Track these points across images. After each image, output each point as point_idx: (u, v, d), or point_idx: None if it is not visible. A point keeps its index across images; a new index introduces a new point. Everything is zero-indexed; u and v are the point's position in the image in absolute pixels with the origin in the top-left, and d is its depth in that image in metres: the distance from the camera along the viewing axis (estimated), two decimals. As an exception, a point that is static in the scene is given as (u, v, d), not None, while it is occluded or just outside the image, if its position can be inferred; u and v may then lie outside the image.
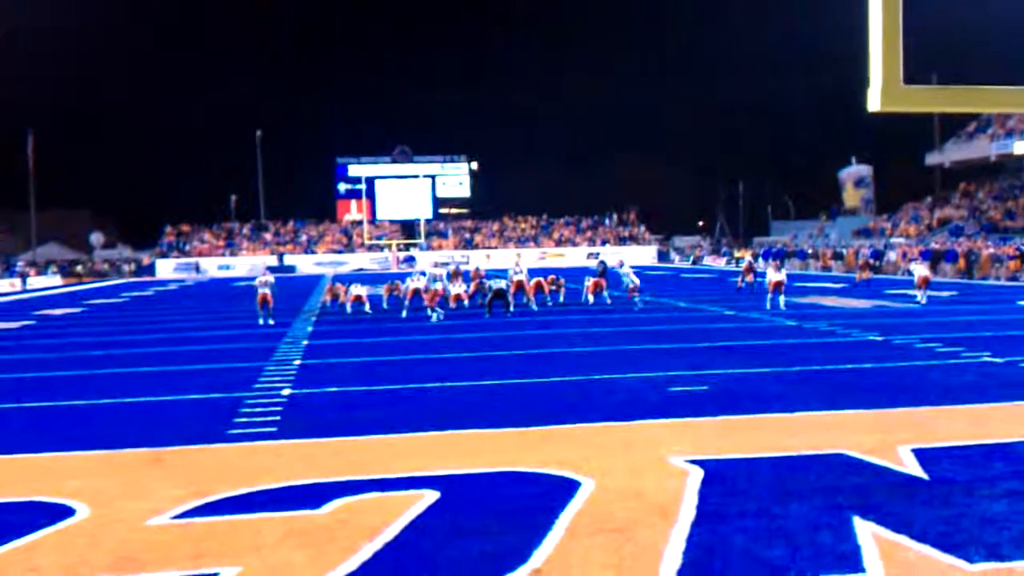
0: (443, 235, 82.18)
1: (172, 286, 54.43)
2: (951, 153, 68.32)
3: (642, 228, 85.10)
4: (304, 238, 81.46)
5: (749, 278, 32.63)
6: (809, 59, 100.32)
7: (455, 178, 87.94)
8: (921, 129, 69.37)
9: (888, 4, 3.07)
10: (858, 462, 8.05)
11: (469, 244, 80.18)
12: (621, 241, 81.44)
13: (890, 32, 3.10)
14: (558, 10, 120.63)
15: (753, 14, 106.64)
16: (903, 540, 5.99)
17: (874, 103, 3.17)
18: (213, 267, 73.77)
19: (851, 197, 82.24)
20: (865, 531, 6.18)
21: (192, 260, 74.94)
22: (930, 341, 16.82)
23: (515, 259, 30.51)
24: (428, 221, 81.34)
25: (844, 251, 55.39)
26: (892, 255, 49.34)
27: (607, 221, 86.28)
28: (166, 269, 73.26)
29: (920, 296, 26.10)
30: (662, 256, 79.03)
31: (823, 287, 35.91)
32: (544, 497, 7.19)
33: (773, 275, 25.37)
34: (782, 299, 24.92)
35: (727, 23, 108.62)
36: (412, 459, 8.51)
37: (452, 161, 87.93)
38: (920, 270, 27.51)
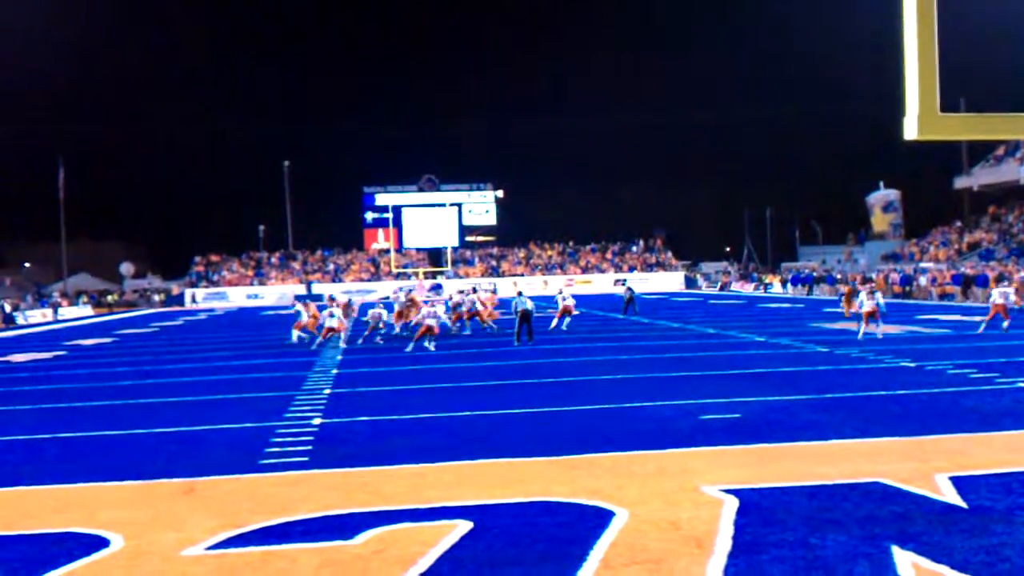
0: (470, 263, 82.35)
1: (201, 315, 54.74)
2: (980, 177, 67.89)
3: (669, 254, 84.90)
4: (332, 267, 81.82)
5: (855, 307, 27.51)
6: (837, 83, 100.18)
7: (481, 206, 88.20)
8: (949, 153, 69.10)
9: (923, 34, 3.06)
10: (895, 491, 7.96)
11: (495, 271, 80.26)
12: (648, 267, 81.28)
13: (926, 61, 3.09)
14: (584, 37, 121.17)
15: (782, 38, 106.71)
16: (943, 570, 5.91)
17: (911, 132, 3.16)
18: (241, 296, 74.19)
19: (879, 222, 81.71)
20: (904, 561, 6.10)
21: (221, 290, 75.42)
22: (964, 367, 16.65)
23: (562, 286, 30.82)
24: (455, 249, 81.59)
25: (873, 276, 54.99)
26: (923, 280, 48.91)
27: (634, 247, 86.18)
28: (195, 299, 73.78)
29: (861, 332, 24.47)
30: (689, 282, 78.78)
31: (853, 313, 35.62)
32: (578, 527, 7.15)
33: (867, 303, 23.74)
34: (879, 328, 23.63)
35: (756, 47, 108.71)
36: (444, 489, 8.49)
37: (478, 189, 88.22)
38: (868, 303, 25.39)
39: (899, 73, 3.24)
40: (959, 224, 68.24)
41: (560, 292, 29.43)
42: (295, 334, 27.56)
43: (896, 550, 6.32)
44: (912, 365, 17.32)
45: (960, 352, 19.38)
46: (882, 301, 23.98)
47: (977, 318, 30.60)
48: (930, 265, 57.29)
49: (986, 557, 6.14)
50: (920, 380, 15.30)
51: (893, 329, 26.73)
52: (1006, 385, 14.37)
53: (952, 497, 7.69)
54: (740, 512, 7.39)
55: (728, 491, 8.03)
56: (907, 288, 48.69)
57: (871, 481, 8.30)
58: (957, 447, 9.80)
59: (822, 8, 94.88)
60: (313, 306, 28.97)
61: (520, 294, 26.75)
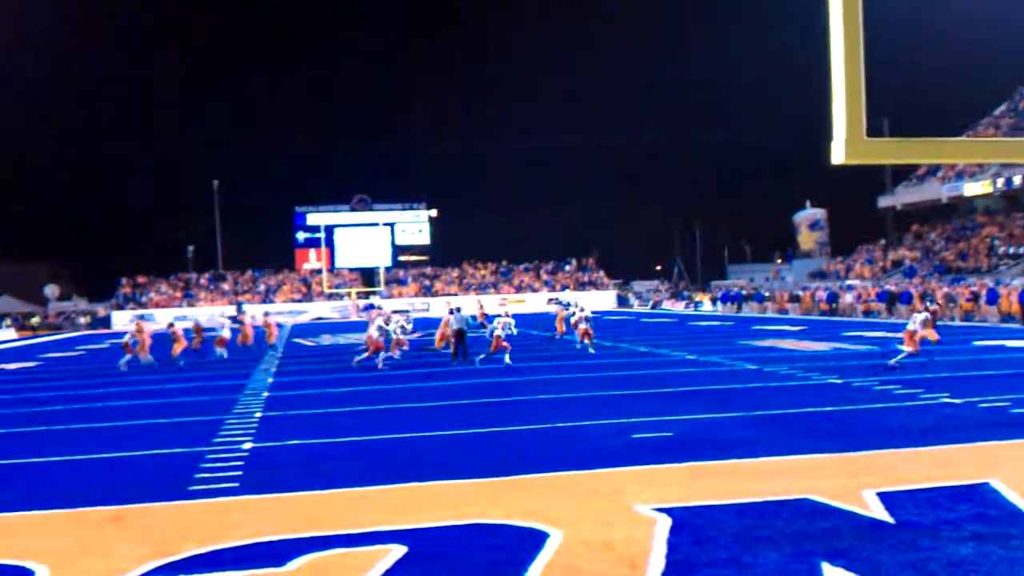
0: (403, 283, 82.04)
1: (127, 338, 53.55)
2: (903, 196, 69.56)
3: (601, 273, 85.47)
4: (262, 287, 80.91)
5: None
6: (763, 103, 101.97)
7: (415, 225, 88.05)
8: (873, 173, 70.65)
9: (851, 58, 3.13)
10: (825, 507, 8.07)
11: (429, 291, 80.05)
12: (580, 286, 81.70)
13: (853, 87, 3.16)
14: (518, 58, 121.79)
15: (713, 60, 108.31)
16: (873, 586, 6.00)
17: (838, 156, 3.22)
18: (170, 318, 72.91)
19: (806, 240, 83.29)
20: (834, 577, 6.18)
21: (149, 311, 74.06)
22: (889, 383, 16.99)
23: (576, 303, 30.68)
24: (388, 269, 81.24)
25: (800, 293, 55.96)
26: (848, 297, 49.88)
27: (567, 266, 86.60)
28: (122, 321, 72.30)
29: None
30: (621, 301, 79.35)
31: (781, 330, 36.21)
32: (512, 550, 7.13)
33: (930, 334, 21.06)
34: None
35: (684, 68, 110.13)
36: (378, 513, 8.42)
37: (411, 208, 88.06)
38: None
39: (826, 96, 3.31)
40: (883, 242, 69.79)
41: (580, 308, 29.05)
42: (218, 351, 28.09)
43: (826, 566, 6.41)
44: (839, 382, 17.63)
45: (886, 368, 19.75)
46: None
47: (900, 334, 31.28)
48: (855, 282, 58.43)
49: (913, 572, 6.26)
50: (847, 396, 15.57)
51: (820, 346, 27.21)
52: (930, 401, 14.69)
53: (880, 513, 7.82)
54: (673, 531, 7.44)
55: (661, 510, 8.07)
56: (833, 305, 49.61)
57: (801, 498, 8.41)
58: (884, 463, 9.99)
59: (751, 30, 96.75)
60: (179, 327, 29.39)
61: (457, 310, 26.73)
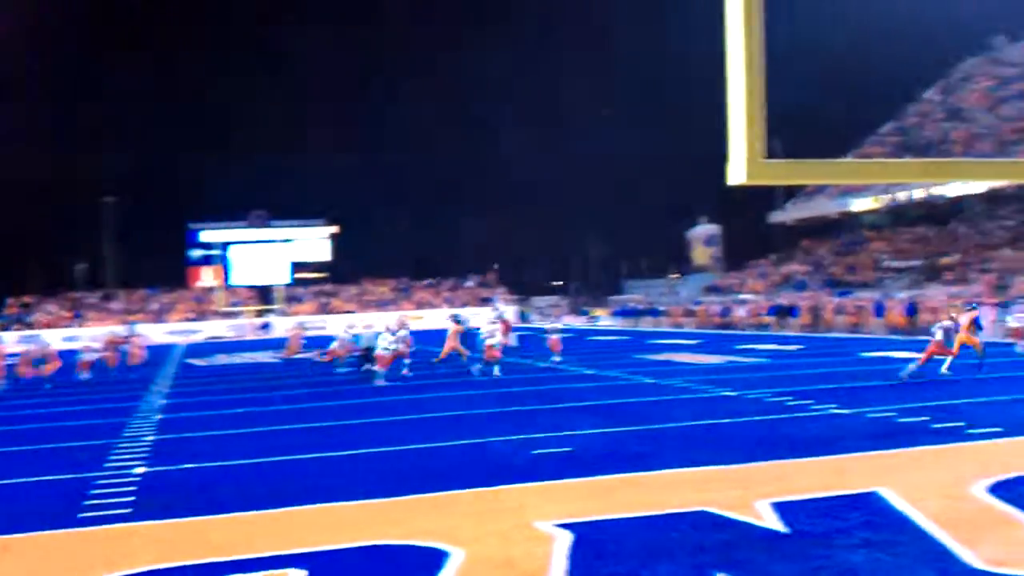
0: (300, 300, 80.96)
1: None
2: (794, 212, 71.47)
3: (502, 289, 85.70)
4: (155, 306, 78.93)
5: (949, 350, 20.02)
6: (657, 117, 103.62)
7: (315, 242, 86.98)
8: (766, 189, 72.31)
9: (751, 80, 3.18)
10: (720, 519, 8.21)
11: (327, 309, 79.14)
12: (481, 302, 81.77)
13: (752, 108, 3.21)
14: (408, 70, 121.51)
15: (611, 74, 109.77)
16: (768, 596, 6.12)
17: (737, 177, 3.27)
18: (58, 339, 70.55)
19: (700, 255, 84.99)
20: (732, 589, 6.28)
21: (35, 332, 71.55)
22: (781, 394, 17.39)
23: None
24: (286, 286, 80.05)
25: (695, 308, 57.02)
26: (741, 311, 50.99)
27: (468, 282, 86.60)
28: (7, 343, 69.63)
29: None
30: (522, 316, 79.65)
31: (677, 343, 36.80)
32: (413, 570, 7.08)
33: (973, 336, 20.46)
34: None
35: (583, 81, 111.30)
36: (276, 537, 8.26)
37: (310, 225, 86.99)
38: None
39: (721, 114, 3.36)
40: (775, 257, 71.57)
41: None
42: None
43: (723, 578, 6.51)
44: (733, 394, 17.98)
45: (777, 380, 20.24)
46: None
47: (792, 347, 32.10)
48: (748, 296, 59.78)
49: (807, 580, 6.40)
50: (741, 408, 15.90)
51: (714, 359, 27.73)
52: (820, 412, 15.09)
53: (774, 523, 7.99)
54: (574, 546, 7.48)
55: (562, 526, 8.11)
56: (726, 319, 50.66)
57: (698, 510, 8.54)
58: (777, 473, 10.21)
59: (648, 47, 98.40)
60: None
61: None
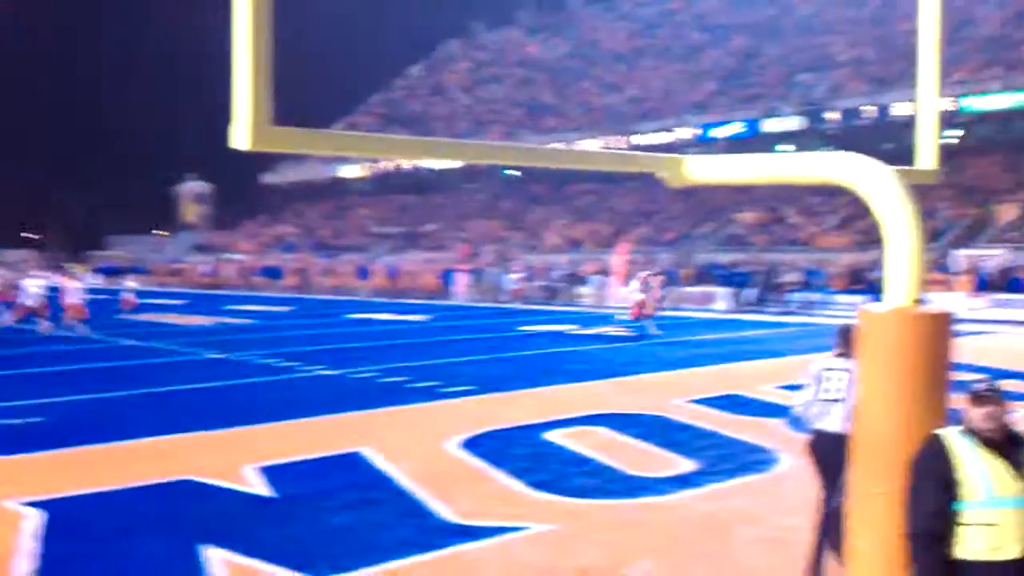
0: None
1: None
2: (286, 174, 71.95)
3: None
4: None
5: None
6: (151, 67, 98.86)
7: None
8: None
9: (258, 45, 3.06)
10: (205, 487, 8.00)
11: None
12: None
13: (259, 74, 3.09)
14: None
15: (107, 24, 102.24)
16: (256, 564, 6.05)
17: (241, 142, 3.14)
18: None
19: (189, 212, 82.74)
20: (217, 559, 6.13)
21: None
22: (269, 357, 17.42)
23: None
24: None
25: (182, 266, 55.40)
26: (230, 270, 50.44)
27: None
28: None
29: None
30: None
31: (163, 304, 35.47)
32: None
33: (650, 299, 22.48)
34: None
35: (79, 29, 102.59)
36: None
37: None
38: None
39: (224, 79, 3.20)
40: (265, 218, 71.61)
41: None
42: None
43: (209, 549, 6.32)
44: (221, 356, 17.69)
45: (266, 342, 20.27)
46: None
47: (281, 308, 32.37)
48: (238, 256, 59.29)
49: (295, 545, 6.43)
50: (229, 371, 15.68)
51: (203, 320, 27.15)
52: (308, 373, 15.34)
53: (261, 488, 7.93)
54: (46, 526, 6.85)
55: (32, 504, 7.40)
56: (214, 279, 49.85)
57: (182, 479, 8.23)
58: (265, 436, 10.18)
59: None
60: None
61: None
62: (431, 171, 62.86)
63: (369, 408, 11.98)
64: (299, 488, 7.97)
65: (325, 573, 5.87)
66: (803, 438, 5.93)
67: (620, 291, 32.68)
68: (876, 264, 31.11)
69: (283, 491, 7.86)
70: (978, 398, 3.80)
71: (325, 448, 9.51)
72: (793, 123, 46.53)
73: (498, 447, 9.59)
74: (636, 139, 50.61)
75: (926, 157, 5.73)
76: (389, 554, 6.24)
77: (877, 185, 4.15)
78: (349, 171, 67.99)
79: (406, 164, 62.08)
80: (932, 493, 3.75)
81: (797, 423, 6.19)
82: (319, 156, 69.25)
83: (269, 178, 73.19)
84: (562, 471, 8.62)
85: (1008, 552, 3.71)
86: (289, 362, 16.65)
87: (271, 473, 8.40)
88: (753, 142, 45.69)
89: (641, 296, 22.09)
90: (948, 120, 36.93)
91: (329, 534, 6.71)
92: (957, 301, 25.07)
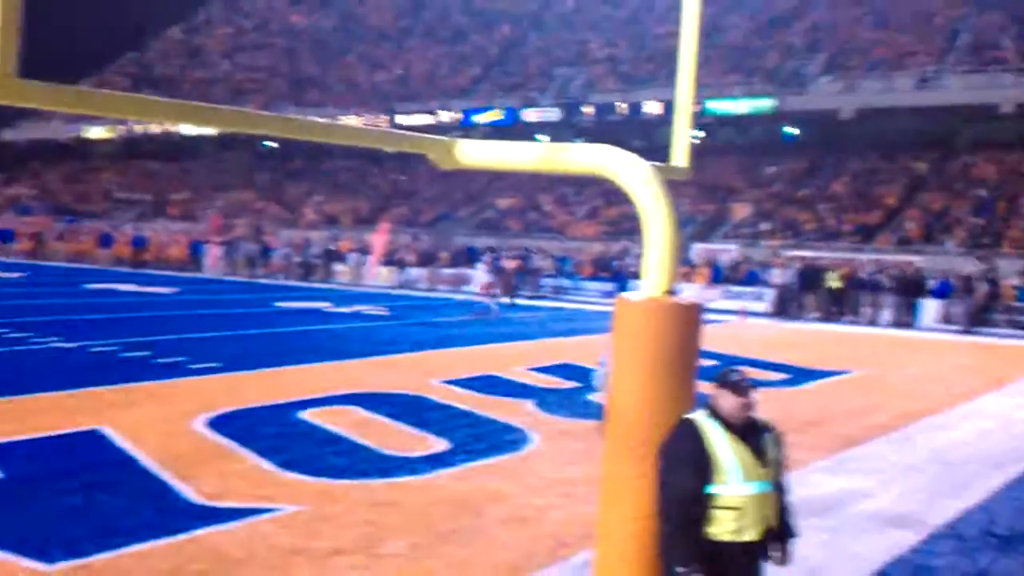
0: None
1: None
2: (25, 131, 66.98)
3: None
4: None
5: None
6: None
7: None
8: (-5, 103, 66.60)
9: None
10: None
11: None
12: None
13: (8, 21, 2.84)
14: None
15: None
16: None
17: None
18: None
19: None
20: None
21: None
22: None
23: None
24: None
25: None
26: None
27: None
28: None
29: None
30: None
31: None
32: None
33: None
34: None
35: None
36: None
37: None
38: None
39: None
40: (1, 177, 66.46)
41: None
42: None
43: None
44: (-57, 325, 16.30)
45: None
46: None
47: (12, 275, 30.17)
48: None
49: (24, 530, 6.01)
50: (-48, 341, 14.47)
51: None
52: (41, 345, 14.37)
53: (-14, 468, 7.37)
54: None
55: None
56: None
57: None
58: (-8, 413, 9.46)
59: None
60: None
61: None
62: (184, 137, 60.16)
63: (109, 384, 11.33)
64: (30, 469, 7.46)
65: (59, 559, 5.52)
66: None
67: (378, 270, 32.69)
68: (621, 254, 32.61)
69: (13, 471, 7.33)
70: (736, 388, 4.02)
71: (59, 426, 8.92)
72: (552, 114, 47.70)
73: (247, 426, 9.34)
74: (400, 119, 50.48)
75: (680, 155, 6.03)
76: (129, 538, 5.94)
77: (637, 179, 4.32)
78: (94, 132, 64.01)
79: (156, 128, 59.16)
80: (687, 476, 3.94)
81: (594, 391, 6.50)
82: (63, 114, 65.02)
83: (7, 135, 67.86)
84: (314, 451, 8.50)
85: (749, 534, 3.97)
86: (20, 333, 15.52)
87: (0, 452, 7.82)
88: (512, 130, 46.51)
89: (487, 279, 23.54)
90: (694, 121, 39.14)
91: (63, 518, 6.31)
92: (695, 291, 26.69)
